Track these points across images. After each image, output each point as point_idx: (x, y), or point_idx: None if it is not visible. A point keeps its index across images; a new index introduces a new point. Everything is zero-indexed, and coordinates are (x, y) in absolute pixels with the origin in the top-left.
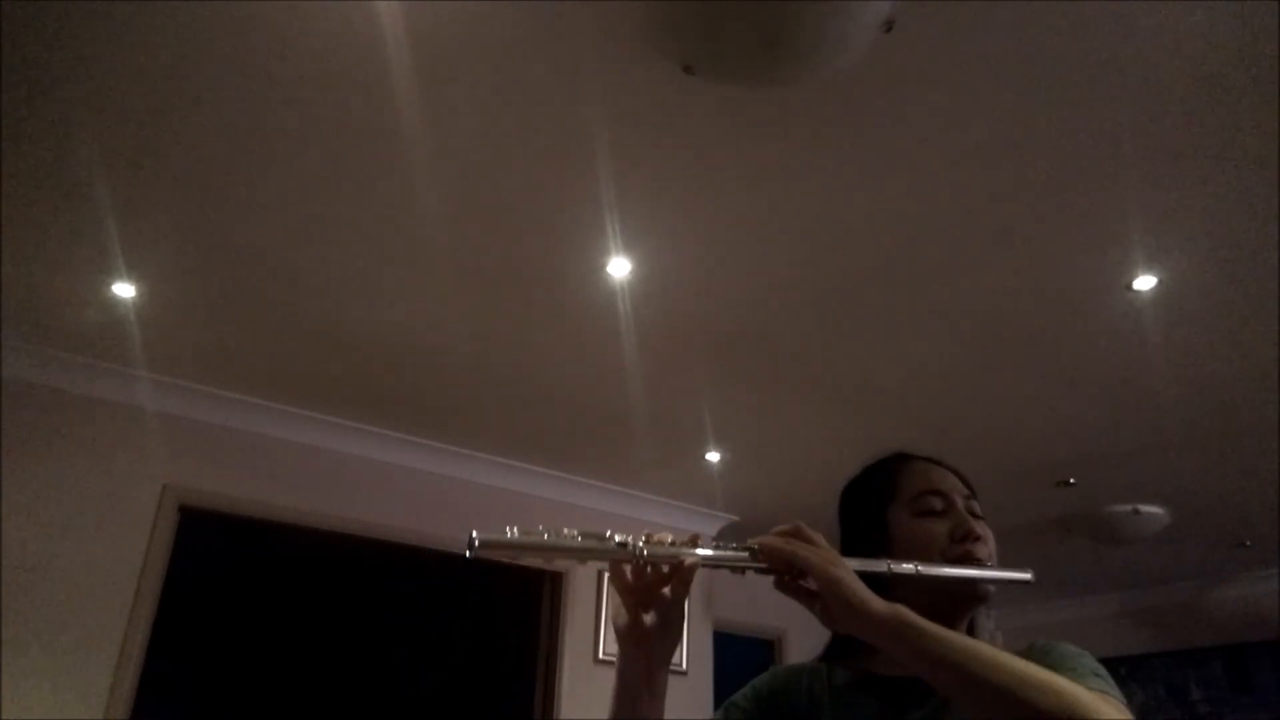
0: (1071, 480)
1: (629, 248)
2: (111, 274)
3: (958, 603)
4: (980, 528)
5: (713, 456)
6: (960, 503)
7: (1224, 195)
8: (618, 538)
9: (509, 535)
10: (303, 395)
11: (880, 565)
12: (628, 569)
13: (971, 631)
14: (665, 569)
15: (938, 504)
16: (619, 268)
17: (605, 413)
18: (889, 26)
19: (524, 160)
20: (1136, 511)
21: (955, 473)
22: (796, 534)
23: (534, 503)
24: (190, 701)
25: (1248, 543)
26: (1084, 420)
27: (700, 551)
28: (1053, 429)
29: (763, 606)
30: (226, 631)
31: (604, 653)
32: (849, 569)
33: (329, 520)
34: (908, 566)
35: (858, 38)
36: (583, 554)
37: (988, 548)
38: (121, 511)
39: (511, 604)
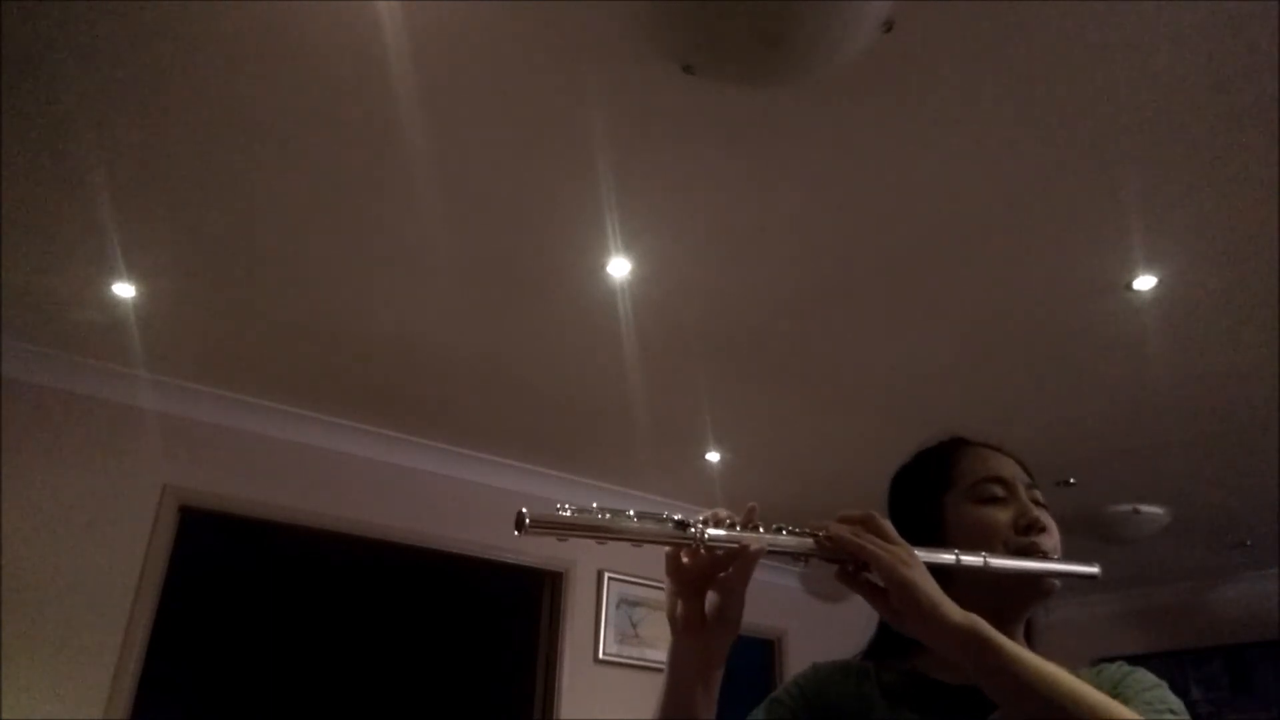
0: (1071, 480)
1: (629, 248)
2: (111, 274)
3: (1020, 597)
4: (1044, 517)
5: (713, 456)
6: (1023, 491)
7: (1224, 195)
8: (676, 517)
9: (561, 512)
10: (303, 395)
11: (948, 556)
12: (684, 555)
13: (1030, 628)
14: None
15: (999, 491)
16: (619, 268)
17: (605, 413)
18: (889, 26)
19: (524, 160)
20: (1136, 511)
21: (1016, 460)
22: (867, 524)
23: (535, 502)
24: (190, 701)
25: (1248, 543)
26: (1084, 420)
27: (764, 537)
28: (1053, 429)
29: (763, 606)
30: (226, 632)
31: (604, 653)
32: (923, 569)
33: (329, 520)
34: (976, 559)
35: (858, 38)
36: (638, 536)
37: (1053, 539)
38: (121, 511)
39: (511, 604)
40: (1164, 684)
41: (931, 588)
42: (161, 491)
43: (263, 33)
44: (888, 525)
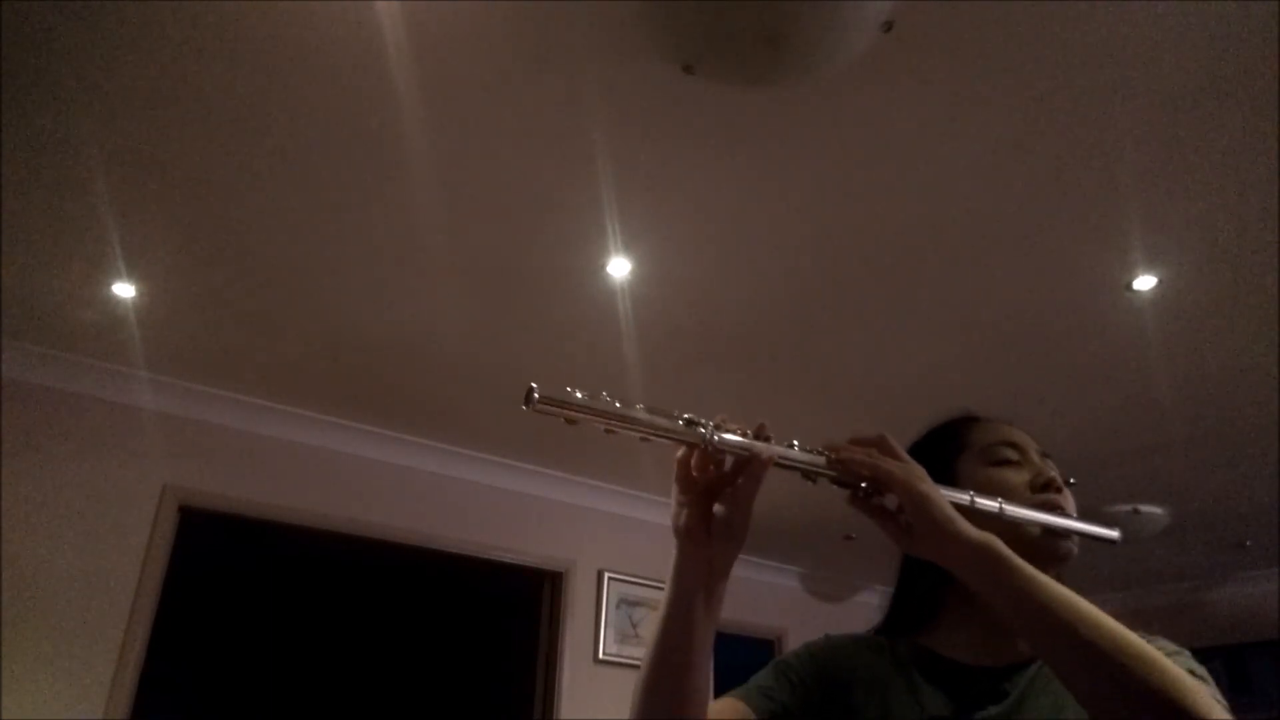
0: (1072, 480)
1: (629, 248)
2: (111, 274)
3: (1034, 560)
4: (1060, 481)
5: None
6: (1036, 456)
7: (1224, 195)
8: (687, 415)
9: (571, 394)
10: (303, 395)
11: (963, 496)
12: (691, 461)
13: None
14: (727, 461)
15: (1012, 454)
16: (619, 268)
17: None
18: (889, 26)
19: (524, 160)
20: (1136, 511)
21: (1027, 433)
22: (880, 445)
23: (535, 502)
24: (190, 701)
25: (1248, 543)
26: (1084, 420)
27: (776, 448)
28: (1053, 429)
29: (763, 606)
30: (226, 631)
31: (604, 653)
32: (937, 488)
33: (329, 520)
34: (992, 503)
35: (857, 38)
36: (648, 427)
37: (1070, 502)
38: (121, 511)
39: (511, 604)
40: (1186, 651)
41: (946, 505)
42: (161, 491)
43: (263, 33)
44: (900, 448)
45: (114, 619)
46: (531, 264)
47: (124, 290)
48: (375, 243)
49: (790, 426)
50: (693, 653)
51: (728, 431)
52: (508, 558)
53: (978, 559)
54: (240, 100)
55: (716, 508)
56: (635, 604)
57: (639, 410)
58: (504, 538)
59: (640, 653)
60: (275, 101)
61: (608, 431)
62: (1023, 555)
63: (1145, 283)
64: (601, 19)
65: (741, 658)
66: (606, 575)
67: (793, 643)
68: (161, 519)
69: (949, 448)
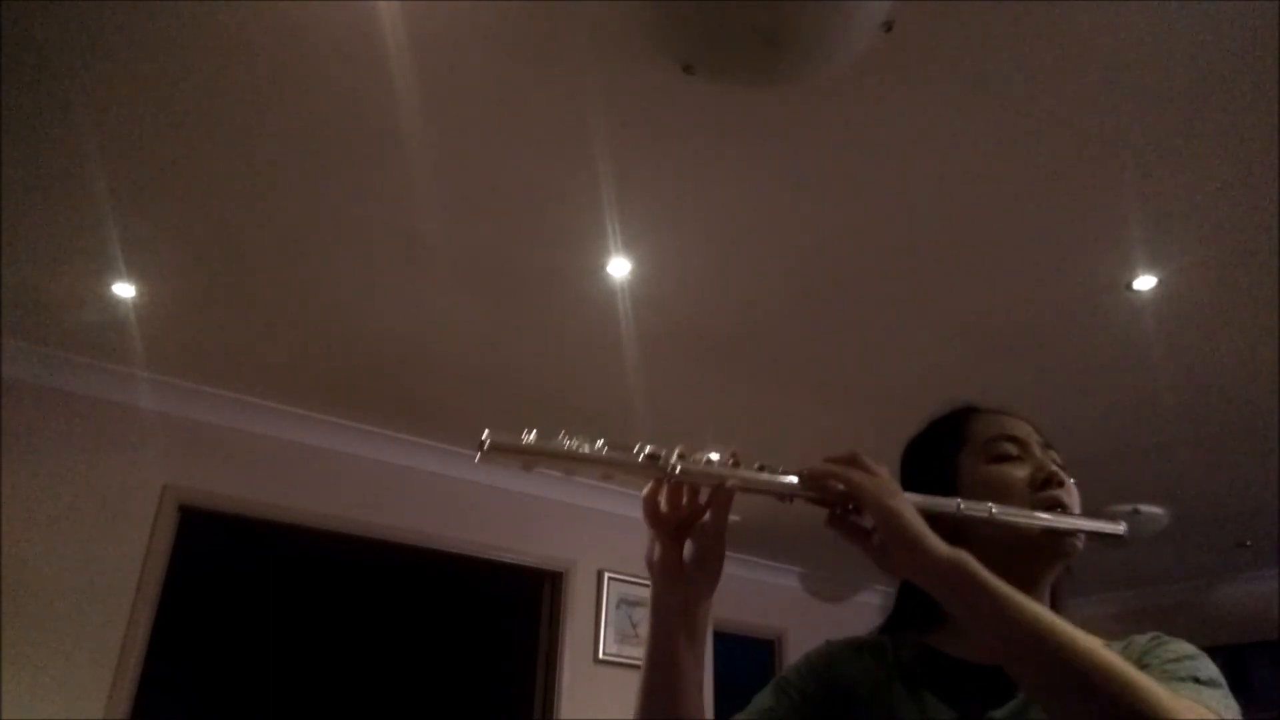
0: (1072, 480)
1: (629, 248)
2: (111, 274)
3: (1037, 559)
4: (1063, 475)
5: (714, 456)
6: (1038, 449)
7: (1224, 195)
8: (648, 449)
9: (525, 439)
10: (303, 395)
11: (950, 504)
12: (661, 498)
13: (1055, 598)
14: (701, 493)
15: (1012, 449)
16: (619, 268)
17: (605, 413)
18: (889, 26)
19: (524, 160)
20: (1136, 511)
21: (1029, 423)
22: (852, 461)
23: (535, 502)
24: (190, 701)
25: (1248, 543)
26: (1084, 420)
27: (742, 472)
28: (1053, 429)
29: (763, 606)
30: (226, 631)
31: (604, 653)
32: (909, 503)
33: (329, 520)
34: (981, 508)
35: (857, 38)
36: (606, 466)
37: (1073, 496)
38: (121, 511)
39: (511, 604)
40: (1200, 654)
41: (917, 520)
42: (161, 491)
43: (262, 33)
44: (875, 464)
45: (114, 619)
46: (531, 264)
47: (124, 290)
48: (375, 243)
49: (790, 426)
50: (680, 681)
51: (691, 461)
52: (508, 558)
53: (945, 579)
54: (240, 100)
55: (688, 543)
56: (635, 604)
57: (596, 449)
58: (504, 538)
59: (640, 652)
60: (275, 101)
61: (565, 472)
62: (1025, 554)
63: (1145, 283)
64: (601, 19)
65: (741, 658)
66: (606, 575)
67: (792, 642)
68: (161, 519)
69: (949, 444)
